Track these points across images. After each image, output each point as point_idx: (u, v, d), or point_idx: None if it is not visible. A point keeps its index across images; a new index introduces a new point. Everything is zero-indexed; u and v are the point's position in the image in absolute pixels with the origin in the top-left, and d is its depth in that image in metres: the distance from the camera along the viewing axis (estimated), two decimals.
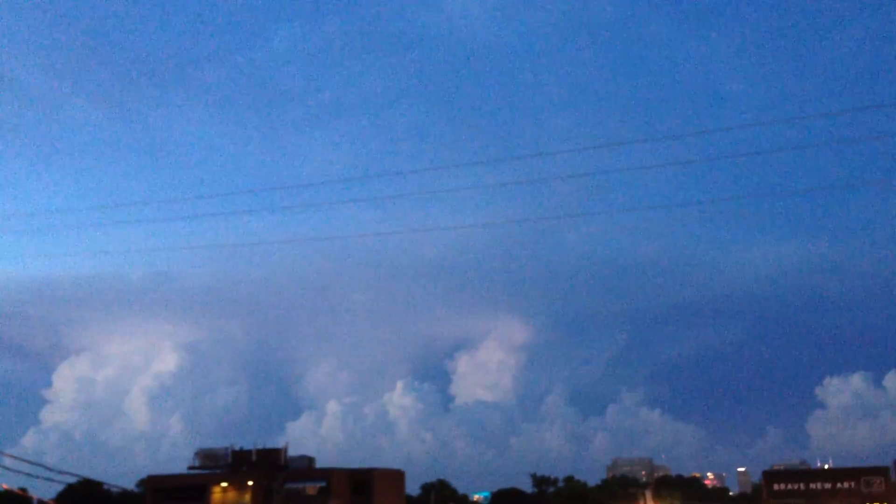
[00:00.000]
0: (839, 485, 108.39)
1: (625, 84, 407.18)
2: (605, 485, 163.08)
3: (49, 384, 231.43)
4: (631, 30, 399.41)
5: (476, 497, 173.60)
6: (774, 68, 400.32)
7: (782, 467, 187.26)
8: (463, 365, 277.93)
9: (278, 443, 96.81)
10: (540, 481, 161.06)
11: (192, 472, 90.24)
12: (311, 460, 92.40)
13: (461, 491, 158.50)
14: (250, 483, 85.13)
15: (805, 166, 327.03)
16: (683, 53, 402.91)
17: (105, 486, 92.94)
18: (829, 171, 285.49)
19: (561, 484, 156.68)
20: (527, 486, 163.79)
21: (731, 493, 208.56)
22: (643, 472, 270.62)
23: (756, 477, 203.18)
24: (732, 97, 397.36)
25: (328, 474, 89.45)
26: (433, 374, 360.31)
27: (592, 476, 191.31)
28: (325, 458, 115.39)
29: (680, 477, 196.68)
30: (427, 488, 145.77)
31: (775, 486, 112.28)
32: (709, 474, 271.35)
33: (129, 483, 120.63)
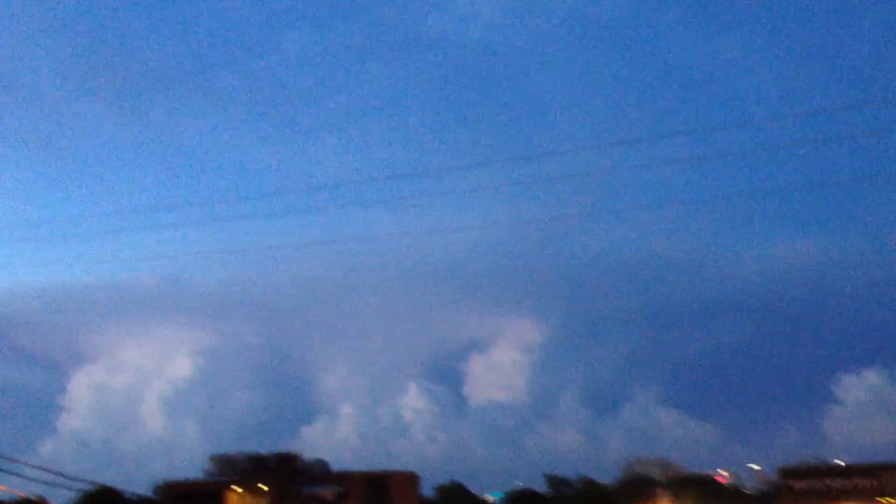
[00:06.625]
0: (857, 481, 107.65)
1: (636, 81, 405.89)
2: (622, 485, 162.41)
3: (64, 391, 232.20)
4: (641, 27, 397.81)
5: (490, 499, 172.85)
6: (787, 62, 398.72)
7: (797, 465, 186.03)
8: (476, 366, 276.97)
9: (293, 447, 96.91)
10: (554, 482, 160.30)
11: (209, 477, 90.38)
12: (325, 464, 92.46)
13: (476, 492, 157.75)
14: (266, 488, 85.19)
15: (818, 161, 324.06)
16: (695, 49, 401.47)
17: (124, 494, 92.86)
18: (843, 166, 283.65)
19: (577, 484, 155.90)
20: (541, 487, 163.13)
21: (746, 492, 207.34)
22: (658, 472, 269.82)
23: (771, 474, 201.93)
24: (745, 92, 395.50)
25: (345, 478, 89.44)
26: (446, 375, 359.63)
27: (607, 475, 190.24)
28: (340, 462, 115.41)
29: (696, 475, 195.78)
30: (442, 491, 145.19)
31: (793, 484, 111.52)
32: (722, 472, 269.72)
33: (145, 489, 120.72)
